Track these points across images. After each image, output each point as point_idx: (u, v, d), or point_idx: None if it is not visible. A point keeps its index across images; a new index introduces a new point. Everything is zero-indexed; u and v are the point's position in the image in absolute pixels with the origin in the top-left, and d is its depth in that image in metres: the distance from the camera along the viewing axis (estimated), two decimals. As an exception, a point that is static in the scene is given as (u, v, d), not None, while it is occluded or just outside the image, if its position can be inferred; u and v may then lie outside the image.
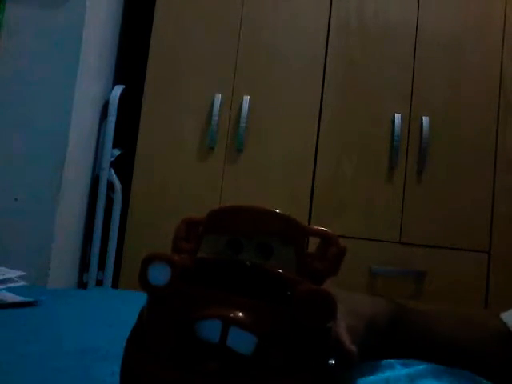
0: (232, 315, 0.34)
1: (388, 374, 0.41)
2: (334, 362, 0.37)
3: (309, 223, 1.74)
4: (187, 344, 0.35)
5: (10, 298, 0.85)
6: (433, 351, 0.46)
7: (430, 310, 0.55)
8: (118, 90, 1.81)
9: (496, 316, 0.53)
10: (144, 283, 0.37)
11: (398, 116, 1.77)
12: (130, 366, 0.38)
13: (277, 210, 0.40)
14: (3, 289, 0.89)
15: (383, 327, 0.48)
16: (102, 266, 1.76)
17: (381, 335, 0.47)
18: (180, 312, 0.36)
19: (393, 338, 0.48)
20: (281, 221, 0.39)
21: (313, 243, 0.41)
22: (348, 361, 0.39)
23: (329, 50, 1.81)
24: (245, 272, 0.39)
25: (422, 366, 0.42)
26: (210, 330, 0.34)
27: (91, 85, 1.71)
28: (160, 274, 0.37)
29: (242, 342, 0.34)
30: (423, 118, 1.78)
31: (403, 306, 0.51)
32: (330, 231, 0.40)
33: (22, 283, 0.95)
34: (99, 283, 1.76)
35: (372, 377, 0.42)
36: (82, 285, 1.77)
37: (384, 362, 0.43)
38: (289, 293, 0.36)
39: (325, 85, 1.81)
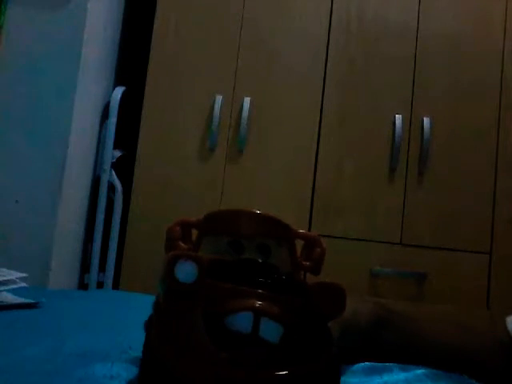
0: (263, 307, 0.38)
1: (386, 378, 0.41)
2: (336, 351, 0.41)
3: (310, 224, 1.75)
4: (218, 336, 0.38)
5: (11, 299, 0.85)
6: (422, 355, 0.47)
7: (425, 312, 0.55)
8: (118, 91, 1.81)
9: (499, 322, 0.53)
10: (172, 280, 0.39)
11: (398, 117, 1.77)
12: (162, 362, 0.40)
13: (273, 215, 0.44)
14: (4, 290, 0.89)
15: (363, 329, 0.49)
16: (102, 267, 1.76)
17: (361, 336, 0.49)
18: (210, 306, 0.39)
19: (376, 340, 0.49)
20: (277, 225, 0.43)
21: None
22: None
23: (329, 51, 1.81)
24: (258, 268, 0.42)
25: (419, 371, 0.42)
26: (242, 321, 0.38)
27: (92, 86, 1.71)
28: (186, 272, 0.39)
29: (271, 331, 0.38)
30: (424, 119, 1.77)
31: (391, 310, 0.53)
32: (314, 234, 0.46)
33: (23, 284, 0.95)
34: (100, 285, 1.76)
35: (370, 380, 0.42)
36: (82, 286, 1.77)
37: (382, 365, 0.43)
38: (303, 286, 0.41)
39: (325, 86, 1.80)
